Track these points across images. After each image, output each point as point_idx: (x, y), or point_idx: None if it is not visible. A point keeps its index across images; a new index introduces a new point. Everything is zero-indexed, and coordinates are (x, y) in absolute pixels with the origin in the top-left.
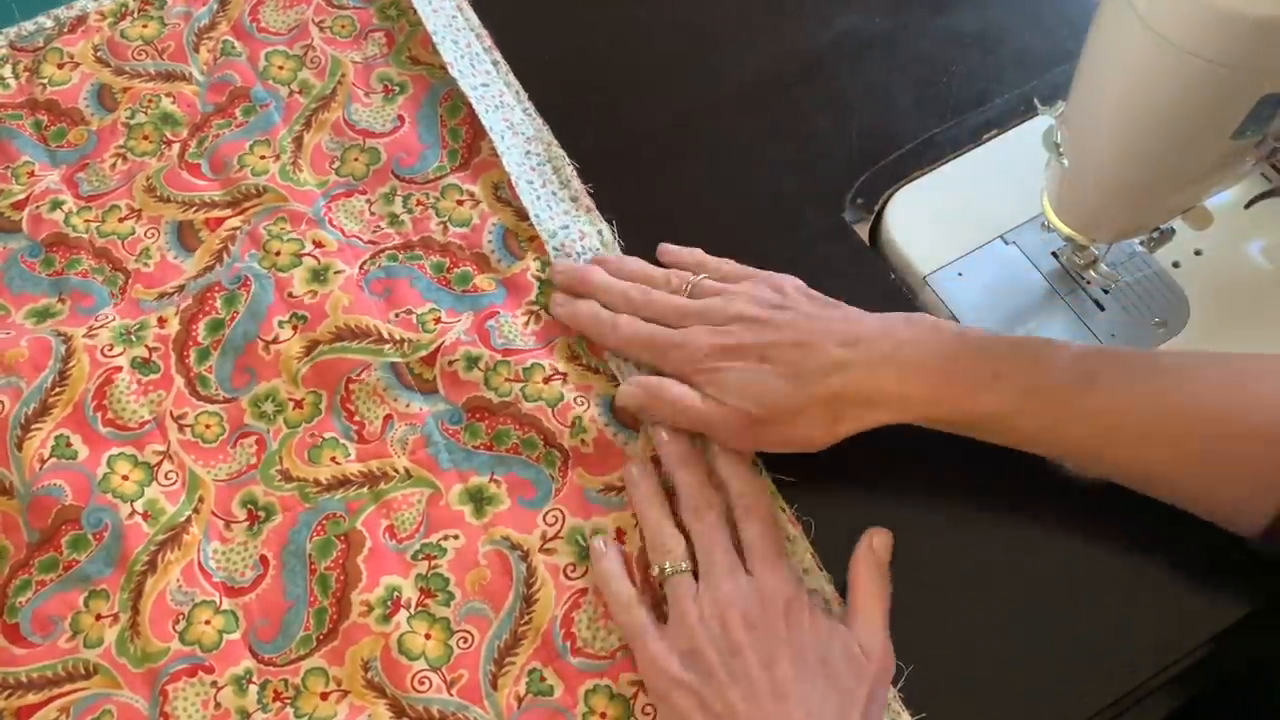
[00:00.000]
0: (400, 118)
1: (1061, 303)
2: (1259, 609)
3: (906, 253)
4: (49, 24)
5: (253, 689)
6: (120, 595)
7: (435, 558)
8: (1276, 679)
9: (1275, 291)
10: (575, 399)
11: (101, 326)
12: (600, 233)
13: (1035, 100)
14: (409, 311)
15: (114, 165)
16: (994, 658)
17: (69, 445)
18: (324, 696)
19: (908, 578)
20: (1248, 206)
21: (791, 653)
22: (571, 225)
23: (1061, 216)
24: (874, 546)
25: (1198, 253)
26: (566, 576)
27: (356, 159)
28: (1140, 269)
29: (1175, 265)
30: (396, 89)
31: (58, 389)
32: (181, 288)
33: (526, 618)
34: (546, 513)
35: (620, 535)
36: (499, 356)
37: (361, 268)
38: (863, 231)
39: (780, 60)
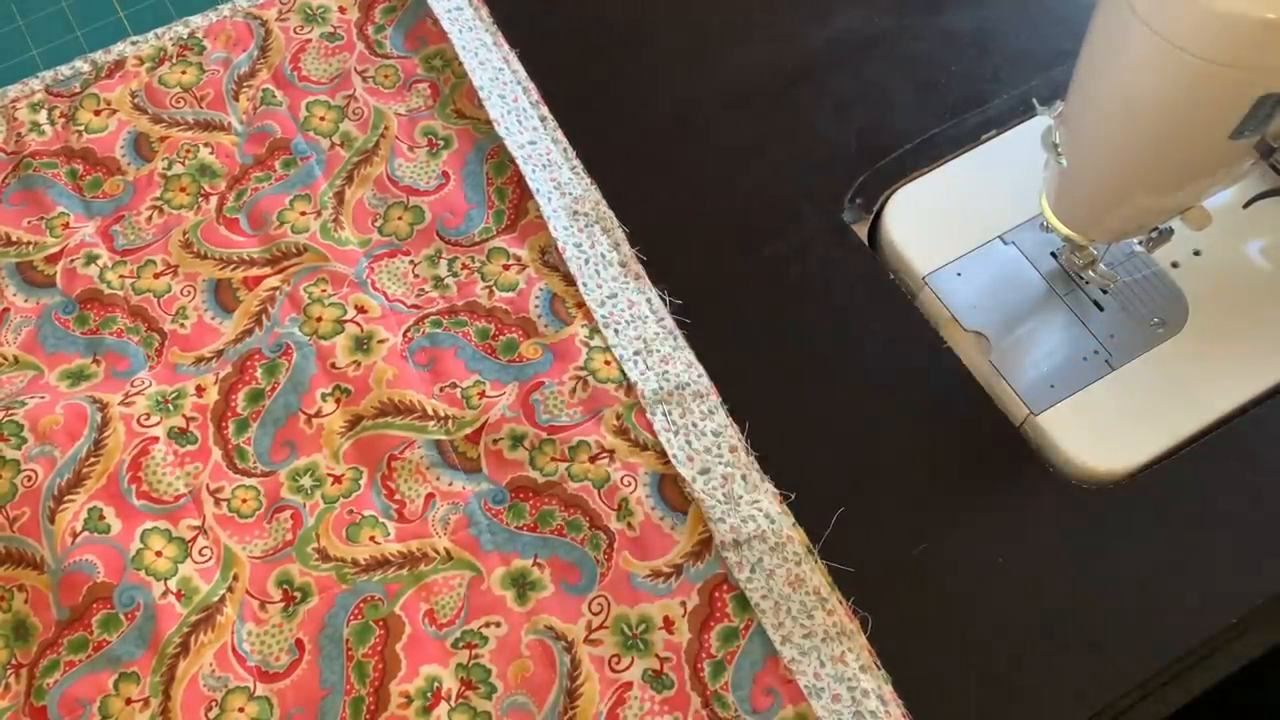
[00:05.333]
0: (445, 174)
1: (1060, 303)
2: None
3: (905, 253)
4: (85, 68)
5: None
6: (151, 679)
7: (477, 646)
8: None
9: (1274, 291)
10: (623, 479)
11: (138, 393)
12: (649, 301)
13: (1034, 100)
14: (454, 385)
15: (150, 218)
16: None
17: (102, 519)
18: None
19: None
20: (1246, 206)
21: None
22: (620, 294)
23: (1060, 216)
24: None
25: (1196, 253)
26: (612, 669)
27: (400, 217)
28: (1139, 269)
29: (1174, 265)
30: (441, 143)
31: (92, 459)
32: (220, 353)
33: (570, 714)
34: (591, 600)
35: (668, 624)
36: (544, 434)
37: (405, 335)
38: (862, 231)
39: (780, 60)
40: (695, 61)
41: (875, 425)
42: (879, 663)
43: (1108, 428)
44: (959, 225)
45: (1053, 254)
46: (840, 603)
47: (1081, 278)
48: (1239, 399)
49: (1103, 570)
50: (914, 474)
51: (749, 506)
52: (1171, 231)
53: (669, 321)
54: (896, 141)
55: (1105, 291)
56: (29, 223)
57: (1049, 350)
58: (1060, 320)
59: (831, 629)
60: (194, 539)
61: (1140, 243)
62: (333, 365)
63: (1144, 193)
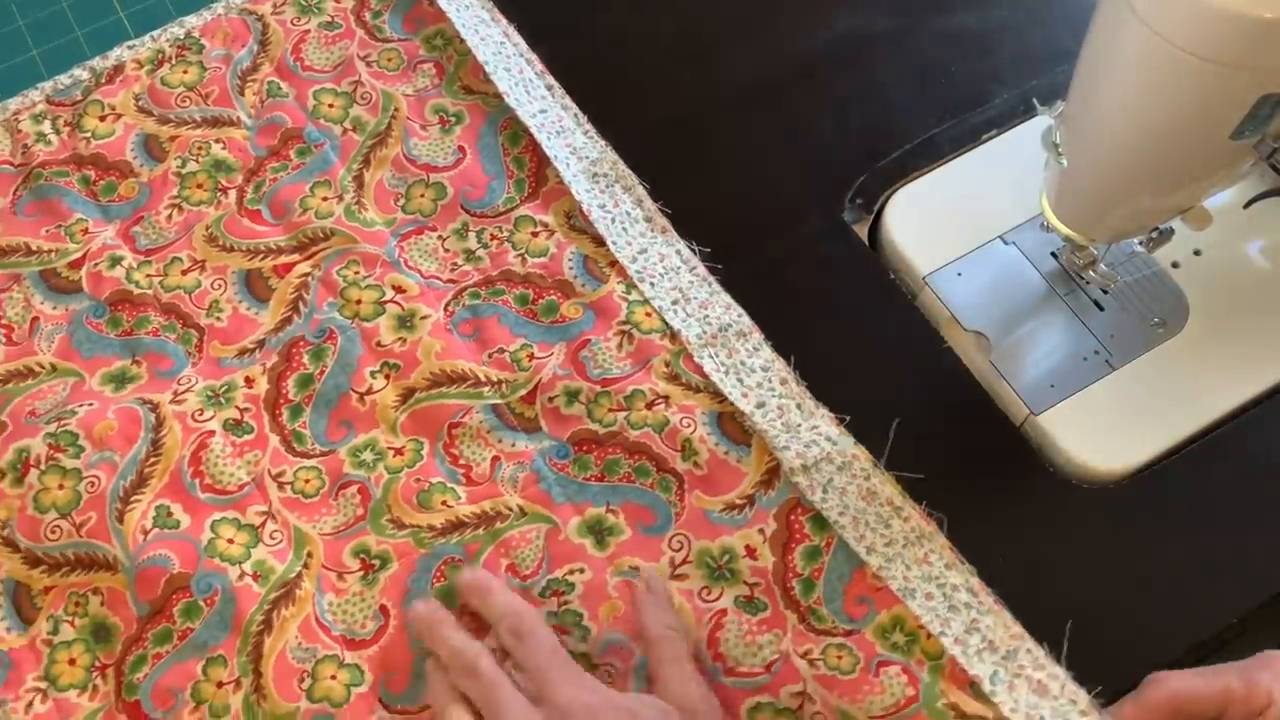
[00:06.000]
0: (461, 149)
1: (1060, 303)
2: None
3: (906, 253)
4: (85, 76)
5: None
6: (238, 659)
7: (564, 593)
8: None
9: (1274, 291)
10: (681, 421)
11: (187, 391)
12: (679, 252)
13: (1034, 100)
14: (501, 350)
15: (170, 216)
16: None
17: (170, 515)
18: None
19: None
20: (1247, 206)
21: None
22: (650, 249)
23: (1060, 216)
24: (651, 588)
25: (1197, 253)
26: (703, 600)
27: (422, 195)
28: (1139, 269)
29: (1174, 265)
30: (452, 119)
31: (152, 459)
32: (261, 343)
33: None
34: (671, 538)
35: (751, 552)
36: (598, 388)
37: (446, 309)
38: (862, 231)
39: (780, 60)
40: (694, 61)
41: (875, 425)
42: (961, 559)
43: (1108, 428)
44: (959, 225)
45: (1053, 254)
46: (914, 508)
47: (1082, 278)
48: (1239, 399)
49: (1102, 570)
50: (914, 474)
51: (809, 432)
52: (1172, 231)
53: (701, 269)
54: (896, 141)
55: (1106, 291)
56: (47, 231)
57: (1049, 350)
58: (1060, 320)
59: (910, 534)
60: (263, 524)
61: (1141, 243)
62: (378, 344)
63: (1144, 193)
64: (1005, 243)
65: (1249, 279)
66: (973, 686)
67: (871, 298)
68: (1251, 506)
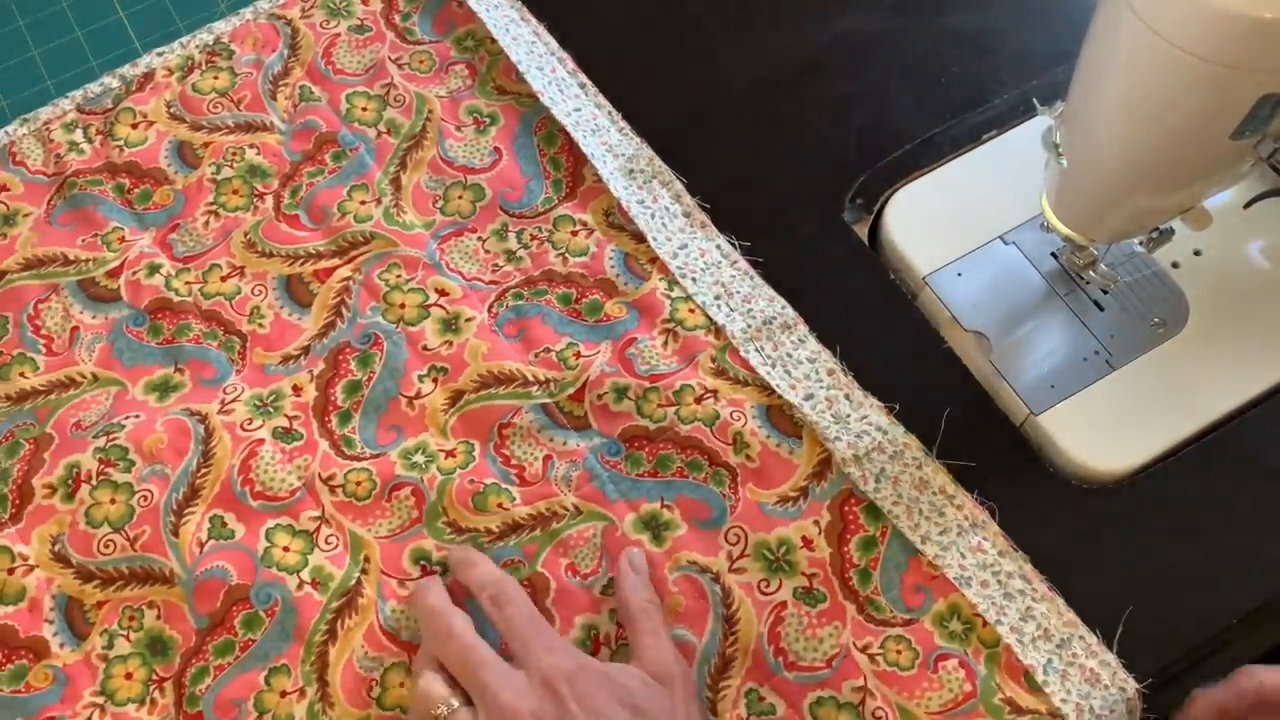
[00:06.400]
0: (497, 150)
1: (1061, 303)
2: None
3: (906, 253)
4: (115, 84)
5: None
6: (302, 668)
7: None
8: None
9: (1274, 291)
10: (731, 414)
11: (234, 400)
12: (719, 247)
13: (1034, 100)
14: (547, 350)
15: (206, 223)
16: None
17: (224, 525)
18: None
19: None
20: (1247, 207)
21: None
22: (690, 244)
23: (1060, 217)
24: (633, 565)
25: (1197, 253)
26: (762, 593)
27: (460, 196)
28: (1139, 269)
29: (1174, 265)
30: (487, 120)
31: (203, 470)
32: (306, 349)
33: (731, 638)
34: (727, 531)
35: (808, 543)
36: (646, 383)
37: (490, 311)
38: (862, 232)
39: (780, 60)
40: (694, 62)
41: None
42: (1014, 545)
43: (1108, 428)
44: (959, 225)
45: (1053, 254)
46: (966, 496)
47: (1082, 278)
48: (1239, 399)
49: (1102, 570)
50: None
51: (859, 422)
52: (1172, 232)
53: (742, 263)
54: (896, 141)
55: (1106, 292)
56: (83, 240)
57: (1049, 350)
58: (1060, 320)
59: (964, 522)
60: (317, 529)
61: (1141, 243)
62: (424, 348)
63: (1144, 193)
64: (1005, 243)
65: (1249, 279)
66: (1026, 677)
67: (871, 298)
68: (1251, 506)
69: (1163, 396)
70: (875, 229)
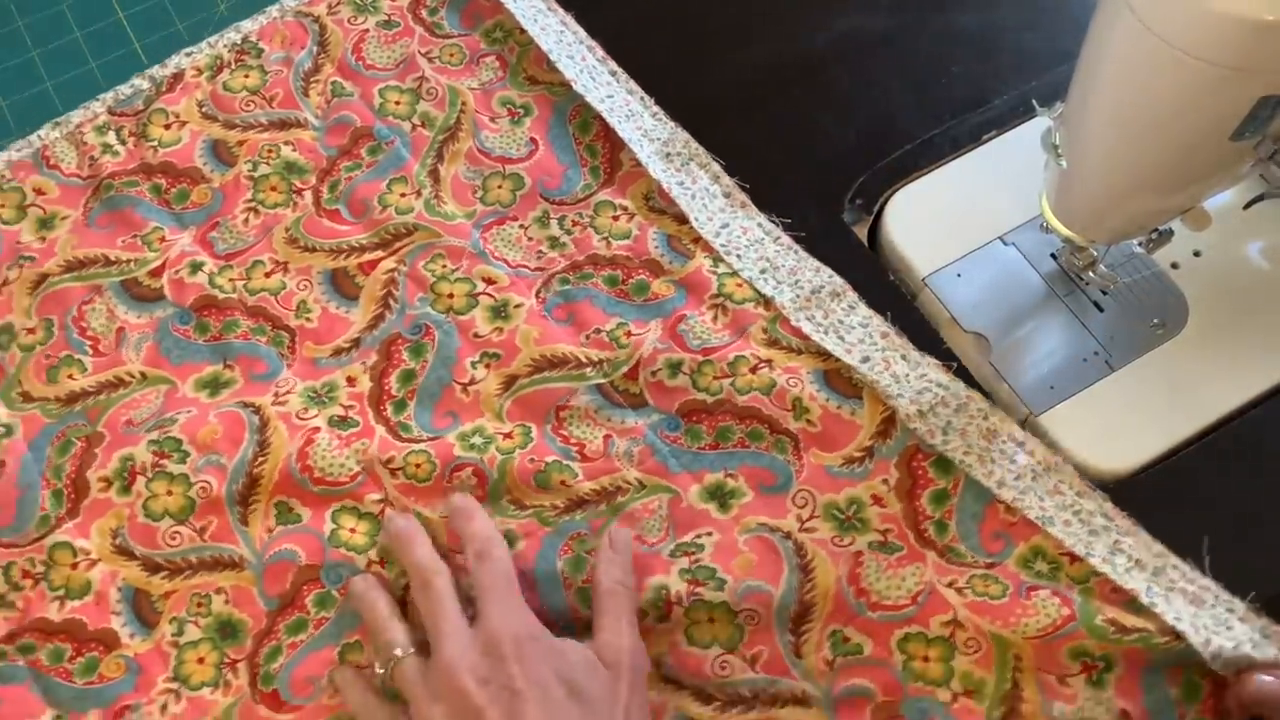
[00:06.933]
0: (533, 141)
1: (1060, 304)
2: None
3: (905, 253)
4: (145, 85)
5: None
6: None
7: (695, 553)
8: None
9: (1274, 291)
10: (788, 381)
11: (288, 393)
12: (760, 225)
13: (1034, 101)
14: (598, 330)
15: (246, 220)
16: None
17: (290, 510)
18: None
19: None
20: (1246, 208)
21: (535, 694)
22: (732, 223)
23: (1060, 217)
24: (614, 545)
25: (1196, 254)
26: (836, 545)
27: (500, 186)
28: (1139, 270)
29: (1174, 266)
30: (521, 111)
31: (260, 459)
32: (357, 341)
33: (809, 585)
34: (794, 495)
35: (878, 500)
36: (700, 358)
37: (538, 296)
38: (861, 232)
39: (780, 60)
40: (694, 62)
41: None
42: (1092, 486)
43: (1108, 428)
44: (959, 226)
45: (1053, 255)
46: (1037, 443)
47: (1081, 279)
48: (1239, 399)
49: None
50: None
51: (919, 380)
52: (1172, 233)
53: (785, 239)
54: (896, 141)
55: (1105, 293)
56: (123, 241)
57: (1049, 351)
58: (1060, 321)
59: (1038, 466)
60: (381, 510)
61: (1140, 244)
62: (475, 335)
63: (1144, 194)
64: (1005, 243)
65: (1249, 280)
66: (1129, 603)
67: (871, 298)
68: (1251, 506)
69: (1162, 397)
70: (875, 229)
